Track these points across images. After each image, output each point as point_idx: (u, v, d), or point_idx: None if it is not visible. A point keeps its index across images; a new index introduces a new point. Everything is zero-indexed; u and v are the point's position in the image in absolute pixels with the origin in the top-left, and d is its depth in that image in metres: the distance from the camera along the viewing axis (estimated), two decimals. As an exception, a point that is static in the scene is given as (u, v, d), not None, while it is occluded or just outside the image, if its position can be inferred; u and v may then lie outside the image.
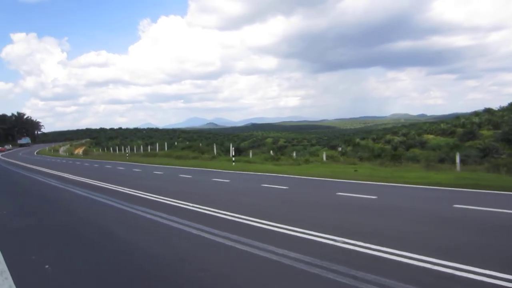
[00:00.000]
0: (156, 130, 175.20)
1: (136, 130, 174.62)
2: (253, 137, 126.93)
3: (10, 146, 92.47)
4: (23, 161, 34.89)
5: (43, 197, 11.36)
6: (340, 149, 34.18)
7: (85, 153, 49.17)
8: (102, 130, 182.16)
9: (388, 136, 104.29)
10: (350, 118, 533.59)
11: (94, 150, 49.45)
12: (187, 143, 35.67)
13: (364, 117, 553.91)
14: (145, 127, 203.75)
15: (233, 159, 20.72)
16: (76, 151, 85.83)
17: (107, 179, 14.85)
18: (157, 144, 37.36)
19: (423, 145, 48.54)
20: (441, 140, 72.04)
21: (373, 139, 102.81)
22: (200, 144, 29.70)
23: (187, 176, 15.62)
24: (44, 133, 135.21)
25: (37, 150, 78.78)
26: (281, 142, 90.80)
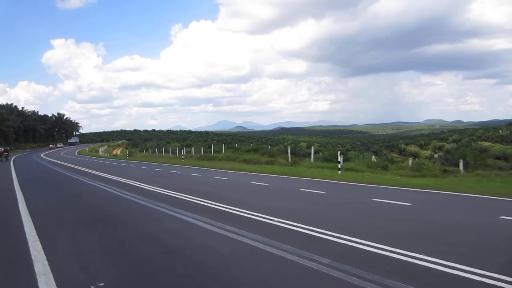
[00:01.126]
0: (189, 132, 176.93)
1: (169, 132, 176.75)
2: (285, 141, 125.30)
3: (62, 144, 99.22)
4: (70, 162, 34.44)
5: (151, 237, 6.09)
6: (436, 155, 29.52)
7: (130, 154, 48.97)
8: (136, 131, 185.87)
9: (435, 142, 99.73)
10: (381, 123, 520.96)
11: (137, 151, 49.16)
12: (251, 145, 33.87)
13: (396, 122, 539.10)
14: (176, 129, 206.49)
15: (339, 166, 16.38)
16: (114, 152, 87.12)
17: (203, 194, 10.33)
18: (212, 147, 35.94)
19: (483, 152, 45.32)
20: (501, 147, 67.54)
21: (420, 146, 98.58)
22: (270, 147, 27.46)
23: (318, 191, 10.68)
24: (82, 134, 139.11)
25: (77, 150, 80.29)
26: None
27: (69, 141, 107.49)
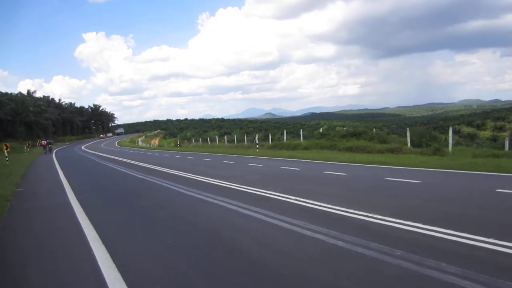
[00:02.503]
0: (222, 120, 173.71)
1: (202, 121, 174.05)
2: (319, 126, 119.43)
3: (111, 134, 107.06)
4: (120, 155, 30.65)
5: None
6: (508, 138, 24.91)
7: (180, 143, 45.04)
8: (169, 121, 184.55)
9: (490, 123, 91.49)
10: (414, 106, 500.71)
11: (185, 140, 45.13)
12: (344, 129, 27.74)
13: (430, 103, 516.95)
14: (205, 118, 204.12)
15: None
16: (152, 142, 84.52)
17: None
18: (285, 133, 30.86)
19: None
20: None
21: (477, 126, 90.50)
22: (374, 130, 21.79)
23: None
24: (117, 125, 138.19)
25: (117, 141, 77.95)
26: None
27: (116, 131, 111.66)
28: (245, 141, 32.90)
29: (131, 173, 15.05)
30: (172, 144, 50.99)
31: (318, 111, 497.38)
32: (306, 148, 21.04)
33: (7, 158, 24.55)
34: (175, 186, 10.32)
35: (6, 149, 26.11)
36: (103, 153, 34.82)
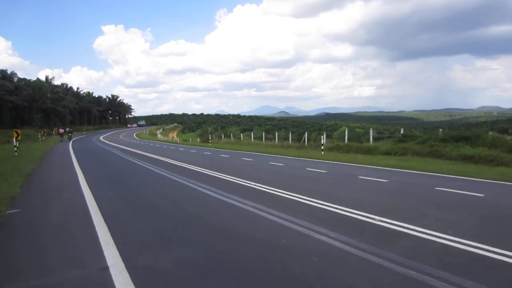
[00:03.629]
0: (239, 116, 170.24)
1: (219, 116, 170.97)
2: (337, 127, 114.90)
3: (135, 125, 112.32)
4: (143, 149, 26.97)
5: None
6: None
7: (205, 139, 41.18)
8: (184, 115, 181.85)
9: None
10: (431, 110, 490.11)
11: (210, 136, 41.23)
12: (440, 131, 23.29)
13: (448, 109, 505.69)
14: (220, 113, 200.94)
15: None
16: (170, 135, 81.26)
17: None
18: (346, 134, 26.39)
19: None
20: None
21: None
22: (490, 133, 17.05)
23: None
24: (135, 117, 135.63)
25: (135, 133, 74.71)
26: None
27: (139, 123, 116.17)
28: (290, 140, 28.91)
29: (181, 180, 10.75)
30: (198, 139, 47.18)
31: (332, 112, 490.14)
32: (387, 153, 16.91)
33: (16, 148, 20.35)
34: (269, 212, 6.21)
35: (17, 137, 21.61)
36: (125, 146, 31.19)
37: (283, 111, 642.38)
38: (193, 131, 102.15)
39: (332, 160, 15.85)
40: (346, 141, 23.50)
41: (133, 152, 23.69)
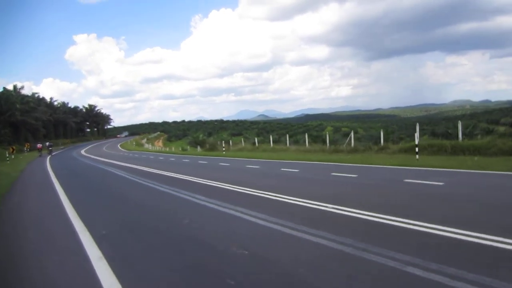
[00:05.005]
0: (223, 121, 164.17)
1: (201, 123, 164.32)
2: (321, 127, 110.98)
3: (123, 134, 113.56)
4: (148, 164, 20.99)
5: None
6: None
7: (211, 147, 35.13)
8: (165, 123, 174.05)
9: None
10: (407, 106, 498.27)
11: (223, 144, 35.00)
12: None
13: (422, 104, 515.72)
14: (199, 120, 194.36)
15: None
16: (156, 144, 74.55)
17: None
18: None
19: None
20: None
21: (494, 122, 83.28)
22: None
23: None
24: (114, 127, 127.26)
25: (119, 144, 67.66)
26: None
27: (123, 134, 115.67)
28: (327, 144, 23.50)
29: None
30: (199, 149, 40.93)
31: (311, 113, 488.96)
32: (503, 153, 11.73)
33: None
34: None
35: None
36: (121, 162, 24.93)
37: (263, 115, 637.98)
38: (180, 139, 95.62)
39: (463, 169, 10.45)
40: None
41: (139, 170, 17.36)
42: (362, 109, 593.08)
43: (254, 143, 31.33)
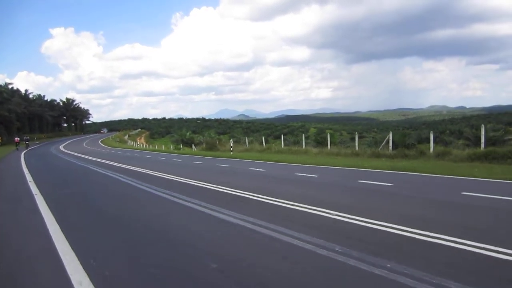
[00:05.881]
0: (205, 120, 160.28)
1: (183, 120, 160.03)
2: (299, 129, 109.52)
3: (105, 130, 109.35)
4: (164, 168, 17.84)
5: None
6: None
7: (210, 146, 31.94)
8: (145, 120, 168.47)
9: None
10: (384, 110, 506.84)
11: (231, 143, 31.73)
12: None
13: (400, 109, 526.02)
14: (179, 118, 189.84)
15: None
16: (139, 142, 70.57)
17: None
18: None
19: None
20: None
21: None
22: None
23: None
24: (93, 123, 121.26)
25: (101, 140, 63.40)
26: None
27: (101, 130, 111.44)
28: (356, 146, 21.05)
29: None
30: (194, 148, 37.65)
31: (291, 114, 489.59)
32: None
33: None
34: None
35: None
36: (112, 161, 21.72)
37: (243, 114, 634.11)
38: (163, 136, 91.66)
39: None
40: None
41: (154, 176, 14.32)
42: (341, 111, 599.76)
43: (262, 143, 28.49)
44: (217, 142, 33.29)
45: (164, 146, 49.05)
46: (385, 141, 19.89)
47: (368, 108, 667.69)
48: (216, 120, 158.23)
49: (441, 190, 8.52)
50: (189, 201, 7.75)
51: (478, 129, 19.60)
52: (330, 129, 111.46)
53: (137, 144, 54.50)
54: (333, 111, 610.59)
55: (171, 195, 8.59)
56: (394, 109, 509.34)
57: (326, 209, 6.46)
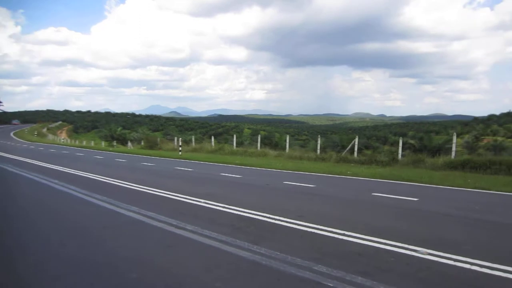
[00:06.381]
0: (135, 115, 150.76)
1: (111, 115, 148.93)
2: (234, 129, 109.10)
3: (16, 122, 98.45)
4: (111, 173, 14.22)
5: None
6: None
7: (149, 144, 28.02)
8: (67, 112, 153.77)
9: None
10: (314, 115, 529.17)
11: (180, 143, 27.76)
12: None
13: (328, 114, 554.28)
14: (105, 111, 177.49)
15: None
16: (59, 135, 63.20)
17: None
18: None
19: None
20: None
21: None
22: None
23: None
24: (4, 112, 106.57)
25: (13, 132, 55.31)
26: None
27: (13, 122, 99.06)
28: (317, 150, 19.38)
29: None
30: (130, 145, 33.42)
31: (224, 113, 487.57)
32: None
33: None
34: None
35: None
36: (40, 161, 17.58)
37: (175, 111, 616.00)
38: (89, 131, 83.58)
39: None
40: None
41: (89, 180, 10.96)
42: (274, 113, 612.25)
43: (211, 143, 25.71)
44: (159, 140, 29.71)
45: (93, 142, 43.71)
46: (350, 146, 18.51)
47: (299, 112, 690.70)
48: (147, 116, 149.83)
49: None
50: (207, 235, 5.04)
51: (400, 136, 19.39)
52: (264, 130, 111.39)
53: (61, 139, 48.10)
54: (266, 113, 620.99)
55: (177, 227, 5.61)
56: (323, 114, 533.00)
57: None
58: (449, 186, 9.47)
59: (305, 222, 5.50)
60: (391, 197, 7.76)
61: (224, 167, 14.69)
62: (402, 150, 16.21)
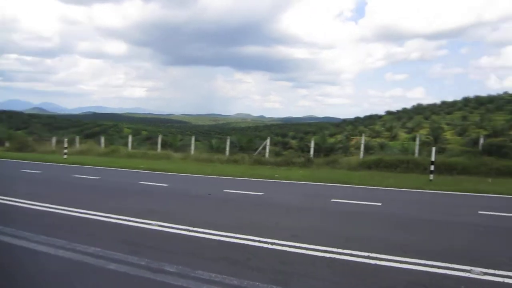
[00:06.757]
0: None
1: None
2: (112, 128, 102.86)
3: None
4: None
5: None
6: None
7: (18, 146, 23.04)
8: None
9: (312, 137, 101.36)
10: (196, 114, 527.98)
11: (65, 144, 22.99)
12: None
13: (210, 114, 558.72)
14: None
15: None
16: None
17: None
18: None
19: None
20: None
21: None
22: None
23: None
24: None
25: None
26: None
27: None
28: (226, 151, 18.54)
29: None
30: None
31: (100, 111, 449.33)
32: None
33: None
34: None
35: None
36: None
37: (39, 107, 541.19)
38: None
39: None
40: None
41: None
42: (155, 112, 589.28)
43: (99, 145, 22.62)
44: (31, 141, 24.95)
45: None
46: (261, 146, 18.26)
47: (181, 111, 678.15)
48: (4, 112, 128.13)
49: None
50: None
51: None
52: (145, 130, 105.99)
53: None
54: (146, 112, 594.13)
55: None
56: (206, 114, 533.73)
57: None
58: (389, 188, 9.66)
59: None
60: (356, 203, 7.40)
61: (135, 173, 12.89)
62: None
